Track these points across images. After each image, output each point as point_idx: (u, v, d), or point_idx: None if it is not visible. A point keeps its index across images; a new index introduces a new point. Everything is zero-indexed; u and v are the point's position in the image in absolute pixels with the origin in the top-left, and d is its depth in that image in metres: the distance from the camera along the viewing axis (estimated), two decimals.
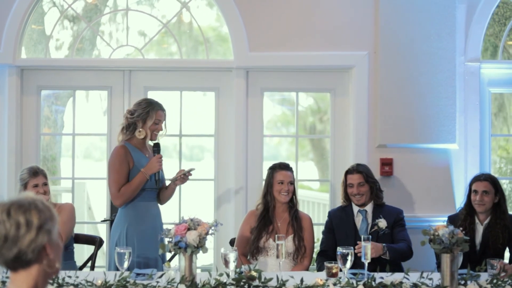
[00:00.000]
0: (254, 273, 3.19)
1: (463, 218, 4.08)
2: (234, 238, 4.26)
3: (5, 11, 4.80)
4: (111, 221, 4.57)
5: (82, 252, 5.25)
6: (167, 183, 4.09)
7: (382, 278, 3.25)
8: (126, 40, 5.03)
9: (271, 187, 4.08)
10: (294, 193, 4.11)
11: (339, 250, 3.30)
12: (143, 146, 3.99)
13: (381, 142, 4.82)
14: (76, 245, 4.21)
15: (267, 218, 4.05)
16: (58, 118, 5.37)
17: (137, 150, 3.94)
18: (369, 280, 3.19)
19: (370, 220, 4.08)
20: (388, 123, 4.80)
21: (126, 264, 3.29)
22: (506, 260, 4.12)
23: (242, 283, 3.16)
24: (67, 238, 3.93)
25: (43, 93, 5.02)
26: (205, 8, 5.08)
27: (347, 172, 4.18)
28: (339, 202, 4.30)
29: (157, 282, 3.22)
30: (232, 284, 3.16)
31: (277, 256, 3.52)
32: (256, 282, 3.17)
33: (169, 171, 4.16)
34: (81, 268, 4.12)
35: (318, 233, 4.66)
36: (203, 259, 5.30)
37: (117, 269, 3.41)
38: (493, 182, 4.07)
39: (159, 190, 4.02)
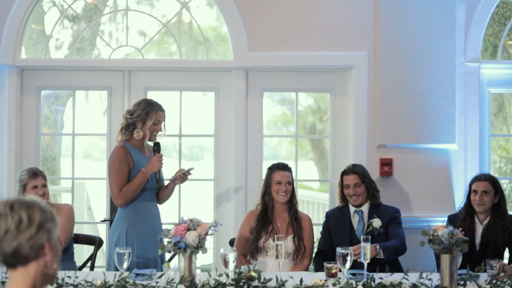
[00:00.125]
0: (253, 274, 3.19)
1: (463, 218, 4.09)
2: (234, 238, 4.26)
3: (5, 11, 4.80)
4: (110, 221, 4.58)
5: (82, 252, 5.25)
6: (166, 182, 4.10)
7: (381, 278, 3.25)
8: (126, 40, 5.03)
9: (269, 188, 4.08)
10: (293, 193, 4.11)
11: (339, 250, 3.30)
12: (142, 146, 3.99)
13: (381, 142, 4.82)
14: (75, 245, 4.22)
15: (266, 218, 4.06)
16: (58, 118, 5.37)
17: (137, 150, 3.94)
18: (369, 281, 3.19)
19: (366, 220, 4.07)
20: (388, 123, 4.80)
21: (125, 265, 3.29)
22: (506, 260, 4.12)
23: (241, 284, 3.17)
24: (66, 241, 3.93)
25: (43, 93, 5.02)
26: (205, 8, 5.08)
27: (343, 173, 4.16)
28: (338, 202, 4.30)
29: (157, 282, 3.23)
30: (232, 285, 3.17)
31: (277, 256, 3.52)
32: (256, 283, 3.17)
33: (169, 171, 4.16)
34: (80, 268, 4.12)
35: (318, 233, 4.66)
36: (202, 259, 5.31)
37: (117, 269, 3.41)
38: (493, 182, 4.07)
39: (158, 190, 4.03)
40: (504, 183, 5.33)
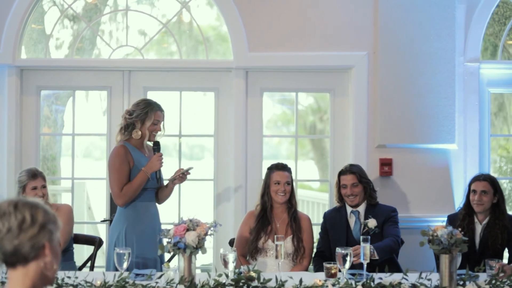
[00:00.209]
0: (253, 274, 3.19)
1: (462, 218, 4.09)
2: (234, 239, 4.26)
3: (5, 10, 4.80)
4: (110, 221, 4.58)
5: (82, 252, 5.25)
6: (166, 182, 4.10)
7: (381, 278, 3.25)
8: (125, 40, 5.03)
9: (268, 188, 4.08)
10: (292, 193, 4.10)
11: (338, 250, 3.31)
12: (142, 146, 4.00)
13: (381, 142, 4.83)
14: (75, 246, 4.22)
15: (265, 219, 4.06)
16: (58, 117, 5.38)
17: (137, 150, 3.95)
18: (368, 281, 3.20)
19: (362, 221, 4.06)
20: (388, 123, 4.80)
21: (125, 265, 3.29)
22: (505, 260, 4.12)
23: (241, 284, 3.17)
24: (65, 242, 3.93)
25: (43, 93, 5.03)
26: (205, 7, 5.08)
27: (341, 173, 4.15)
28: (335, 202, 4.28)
29: (156, 282, 3.23)
30: (231, 285, 3.17)
31: (276, 257, 3.52)
32: (255, 283, 3.17)
33: (169, 170, 4.17)
34: (80, 268, 4.13)
35: (317, 234, 4.66)
36: (203, 258, 5.31)
37: (116, 269, 3.41)
38: (492, 182, 4.07)
39: (158, 190, 4.03)
40: (504, 183, 5.34)
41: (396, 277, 3.26)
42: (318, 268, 3.96)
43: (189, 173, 4.01)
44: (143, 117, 3.91)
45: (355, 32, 4.85)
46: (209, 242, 3.49)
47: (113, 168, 3.89)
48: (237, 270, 3.27)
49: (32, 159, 4.87)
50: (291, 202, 4.09)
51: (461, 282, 3.24)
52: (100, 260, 5.43)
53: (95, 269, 4.15)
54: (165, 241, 3.23)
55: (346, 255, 3.27)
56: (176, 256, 3.36)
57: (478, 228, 4.07)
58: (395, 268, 3.80)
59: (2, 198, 4.67)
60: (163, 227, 3.80)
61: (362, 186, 4.09)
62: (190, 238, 3.13)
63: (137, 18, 5.06)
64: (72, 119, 5.01)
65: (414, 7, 4.78)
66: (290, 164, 4.23)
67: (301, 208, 6.14)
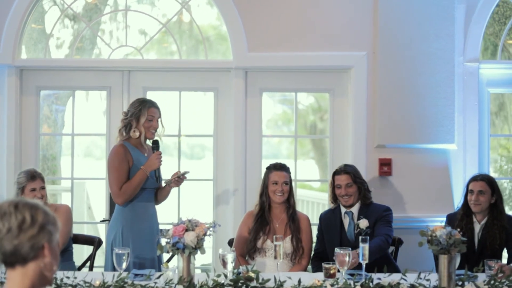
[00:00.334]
0: (251, 274, 3.20)
1: (460, 218, 4.09)
2: (233, 239, 4.26)
3: (5, 10, 4.80)
4: (110, 221, 4.58)
5: (81, 252, 5.26)
6: (163, 184, 4.10)
7: (379, 279, 3.25)
8: (125, 40, 5.04)
9: (267, 188, 4.08)
10: (290, 193, 4.10)
11: (337, 250, 3.31)
12: (141, 145, 4.00)
13: (380, 142, 4.83)
14: (75, 246, 4.22)
15: (264, 218, 4.05)
16: (59, 117, 5.39)
17: (136, 149, 3.95)
18: (367, 281, 3.20)
19: (356, 221, 4.05)
20: (387, 123, 4.80)
21: (124, 265, 3.29)
22: (504, 260, 4.12)
23: (239, 284, 3.17)
24: (64, 243, 3.93)
25: (44, 92, 5.04)
26: (206, 7, 5.08)
27: (335, 173, 4.13)
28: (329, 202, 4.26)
29: (155, 283, 3.24)
30: (230, 285, 3.17)
31: (275, 257, 3.52)
32: (254, 283, 3.18)
33: (169, 170, 4.17)
34: (79, 268, 4.13)
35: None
36: (203, 258, 5.32)
37: (114, 269, 3.41)
38: (490, 182, 4.07)
39: (157, 190, 4.03)
40: (504, 183, 5.34)
41: (395, 277, 3.26)
42: (316, 270, 3.94)
43: (185, 177, 4.02)
44: (137, 114, 3.92)
45: (354, 32, 4.85)
46: (208, 242, 3.49)
47: (112, 167, 3.90)
48: (236, 270, 3.27)
49: (31, 159, 4.87)
50: (289, 202, 4.08)
51: (460, 283, 3.24)
52: (100, 260, 5.43)
53: (94, 269, 4.15)
54: (164, 241, 3.23)
55: (345, 255, 3.27)
56: (176, 256, 3.36)
57: (477, 228, 4.07)
58: (391, 268, 3.79)
59: (2, 198, 4.68)
60: (162, 227, 3.80)
61: (356, 187, 4.07)
62: (189, 238, 3.14)
63: (137, 17, 5.06)
64: (72, 119, 5.01)
65: (413, 7, 4.78)
66: (290, 163, 4.22)
67: (301, 208, 6.15)
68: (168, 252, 3.22)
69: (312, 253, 4.14)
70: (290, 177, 4.11)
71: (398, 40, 4.79)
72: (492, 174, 5.02)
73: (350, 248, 3.37)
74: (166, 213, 4.45)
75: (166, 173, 4.14)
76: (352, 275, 3.33)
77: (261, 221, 4.04)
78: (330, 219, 4.13)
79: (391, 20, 4.79)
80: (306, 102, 5.76)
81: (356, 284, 3.19)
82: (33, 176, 3.93)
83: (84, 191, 6.26)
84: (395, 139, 4.82)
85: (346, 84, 4.95)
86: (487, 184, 4.05)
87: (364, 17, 4.84)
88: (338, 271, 3.31)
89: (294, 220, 4.04)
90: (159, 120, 3.99)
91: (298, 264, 3.97)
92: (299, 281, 3.19)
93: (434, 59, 4.78)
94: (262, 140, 4.97)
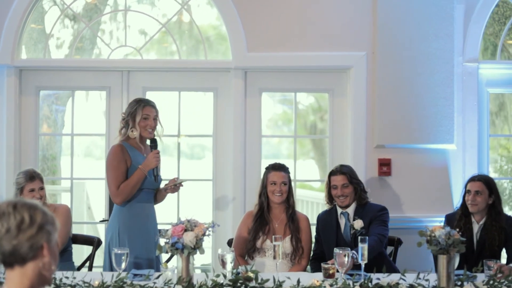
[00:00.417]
0: (251, 274, 3.20)
1: (458, 219, 4.09)
2: (232, 239, 4.26)
3: (4, 10, 4.80)
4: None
5: (81, 252, 5.26)
6: (163, 183, 4.09)
7: (378, 279, 3.25)
8: (125, 40, 5.04)
9: (265, 188, 4.08)
10: (290, 193, 4.09)
11: (336, 250, 3.30)
12: (140, 145, 4.00)
13: (379, 143, 4.83)
14: (74, 246, 4.22)
15: (263, 218, 4.06)
16: (59, 117, 5.39)
17: (134, 149, 3.95)
18: (366, 281, 3.20)
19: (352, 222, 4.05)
20: (386, 123, 4.80)
21: (123, 265, 3.29)
22: (503, 260, 4.12)
23: (238, 284, 3.17)
24: (63, 244, 3.93)
25: (44, 92, 5.04)
26: (206, 7, 5.08)
27: (331, 174, 4.11)
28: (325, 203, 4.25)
29: (154, 283, 3.24)
30: (229, 285, 3.17)
31: (274, 257, 3.52)
32: (253, 283, 3.18)
33: (169, 170, 4.17)
34: (79, 268, 4.13)
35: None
36: (202, 258, 5.32)
37: (112, 269, 3.41)
38: (487, 183, 4.06)
39: (156, 191, 4.03)
40: (504, 183, 5.34)
41: (394, 277, 3.26)
42: (315, 271, 3.93)
43: (182, 185, 4.02)
44: (133, 113, 3.93)
45: (353, 32, 4.85)
46: (207, 242, 3.49)
47: (110, 167, 3.91)
48: (235, 271, 3.27)
49: (31, 159, 4.87)
50: (289, 202, 4.08)
51: (459, 283, 3.24)
52: (99, 260, 5.43)
53: (93, 269, 4.16)
54: (163, 241, 3.23)
55: (345, 255, 3.27)
56: (175, 256, 3.36)
57: (475, 228, 4.07)
58: (387, 267, 3.77)
59: (1, 198, 4.68)
60: (160, 227, 3.80)
61: (352, 187, 4.05)
62: (188, 238, 3.14)
63: (137, 17, 5.06)
64: (72, 119, 5.02)
65: (412, 7, 4.78)
66: (290, 163, 4.22)
67: (301, 208, 6.15)
68: (167, 252, 3.22)
69: (311, 254, 4.14)
70: (289, 177, 4.11)
71: (397, 40, 4.79)
72: (492, 174, 5.03)
73: (349, 248, 3.37)
74: (165, 213, 4.45)
75: (166, 173, 4.14)
76: (351, 275, 3.33)
77: (260, 221, 4.04)
78: (326, 220, 4.13)
79: (390, 20, 4.79)
80: (306, 102, 5.77)
81: (355, 284, 3.19)
82: (32, 176, 3.93)
83: (84, 191, 6.26)
84: (394, 139, 4.82)
85: (346, 84, 4.95)
86: (484, 184, 4.04)
87: (363, 17, 4.84)
88: (337, 271, 3.31)
89: (293, 220, 4.04)
90: (157, 119, 3.99)
91: (298, 264, 3.98)
92: (298, 281, 3.19)
93: (434, 59, 4.78)
94: (261, 140, 4.98)
